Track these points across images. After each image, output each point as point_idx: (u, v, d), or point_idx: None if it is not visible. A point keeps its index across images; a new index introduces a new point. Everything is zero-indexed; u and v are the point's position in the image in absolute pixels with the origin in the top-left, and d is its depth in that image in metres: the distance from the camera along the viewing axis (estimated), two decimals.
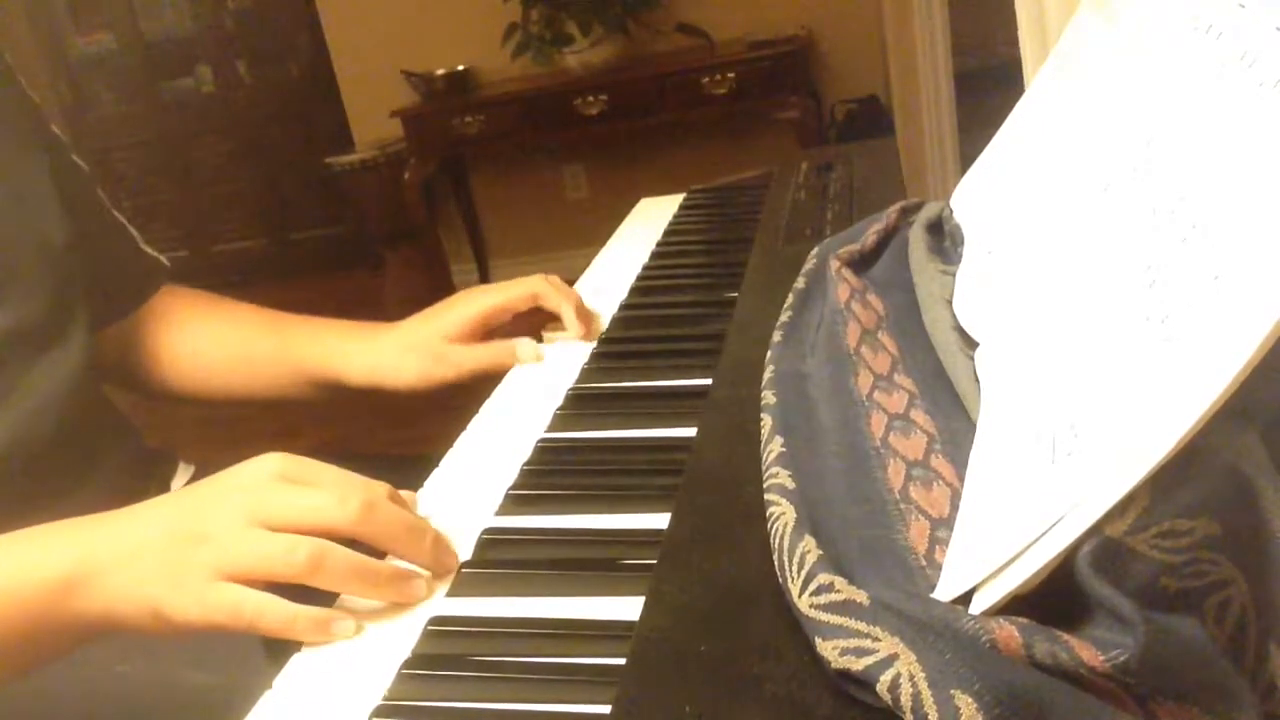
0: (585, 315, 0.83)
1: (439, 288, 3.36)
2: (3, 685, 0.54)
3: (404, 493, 0.59)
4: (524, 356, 0.79)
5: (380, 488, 0.54)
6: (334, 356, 0.83)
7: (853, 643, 0.36)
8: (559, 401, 0.71)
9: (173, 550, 0.50)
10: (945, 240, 0.65)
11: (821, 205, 0.98)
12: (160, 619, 0.50)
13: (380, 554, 0.54)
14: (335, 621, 0.49)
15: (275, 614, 0.49)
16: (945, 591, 0.37)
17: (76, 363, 0.76)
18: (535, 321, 0.85)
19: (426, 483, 0.64)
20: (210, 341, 0.88)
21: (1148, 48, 0.47)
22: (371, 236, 3.60)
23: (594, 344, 0.81)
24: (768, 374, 0.59)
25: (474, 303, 0.82)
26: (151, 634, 0.52)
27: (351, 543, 0.52)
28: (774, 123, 2.98)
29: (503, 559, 0.54)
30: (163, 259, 0.92)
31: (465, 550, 0.55)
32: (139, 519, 0.53)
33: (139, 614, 0.51)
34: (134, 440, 0.85)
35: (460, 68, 3.26)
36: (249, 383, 0.87)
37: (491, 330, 0.82)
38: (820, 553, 0.40)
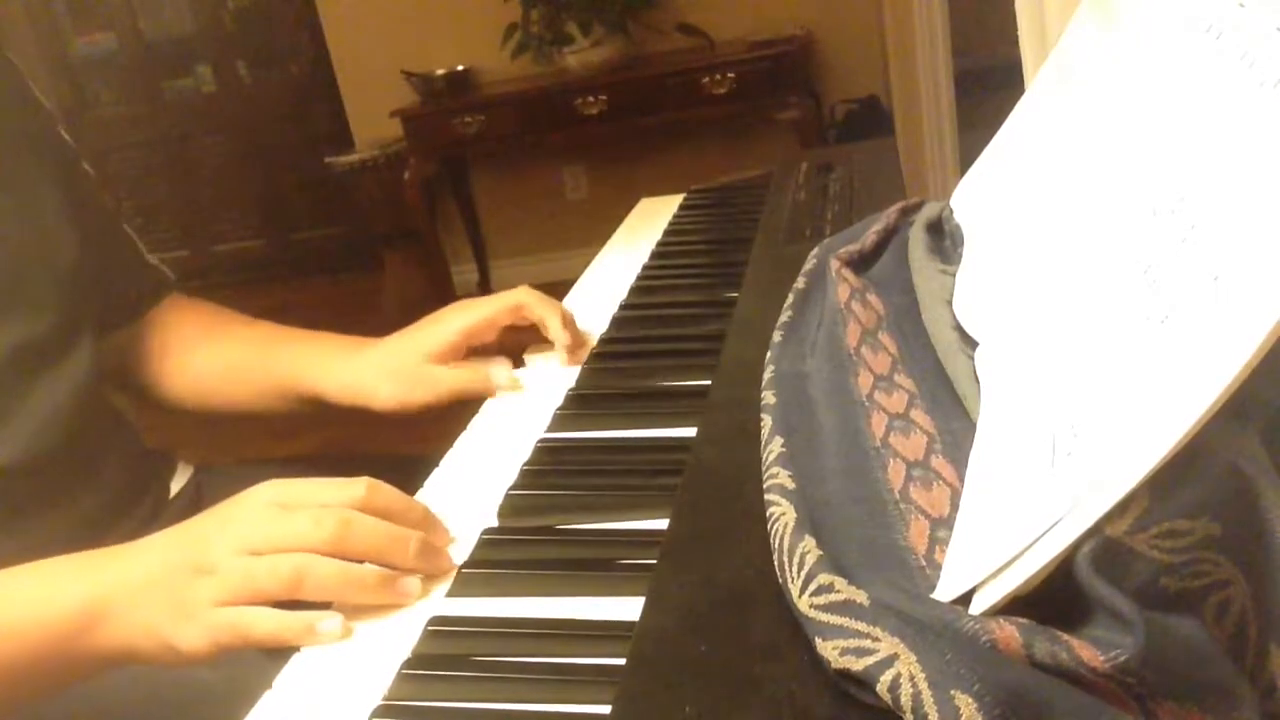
0: (572, 328, 0.81)
1: (439, 288, 3.36)
2: (14, 712, 0.56)
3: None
4: (499, 383, 0.77)
5: (360, 487, 0.54)
6: (315, 372, 0.83)
7: (853, 643, 0.36)
8: (559, 401, 0.71)
9: (177, 585, 0.53)
10: (945, 240, 0.65)
11: (821, 205, 0.98)
12: (172, 652, 0.53)
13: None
14: (321, 621, 0.51)
15: (264, 623, 0.51)
16: (945, 591, 0.37)
17: (84, 374, 0.76)
18: (521, 337, 0.84)
19: (426, 483, 0.64)
20: (201, 356, 0.89)
21: (1147, 48, 0.47)
22: (371, 236, 3.60)
23: (581, 361, 0.78)
24: (768, 374, 0.59)
25: (457, 319, 0.80)
26: (167, 665, 0.54)
27: None
28: (774, 123, 2.98)
29: (503, 559, 0.54)
30: (167, 270, 0.93)
31: (465, 550, 0.55)
32: (146, 554, 0.55)
33: (155, 648, 0.53)
34: (134, 442, 0.86)
35: (460, 68, 3.25)
36: (235, 396, 0.89)
37: (475, 346, 0.81)
38: (820, 553, 0.40)
